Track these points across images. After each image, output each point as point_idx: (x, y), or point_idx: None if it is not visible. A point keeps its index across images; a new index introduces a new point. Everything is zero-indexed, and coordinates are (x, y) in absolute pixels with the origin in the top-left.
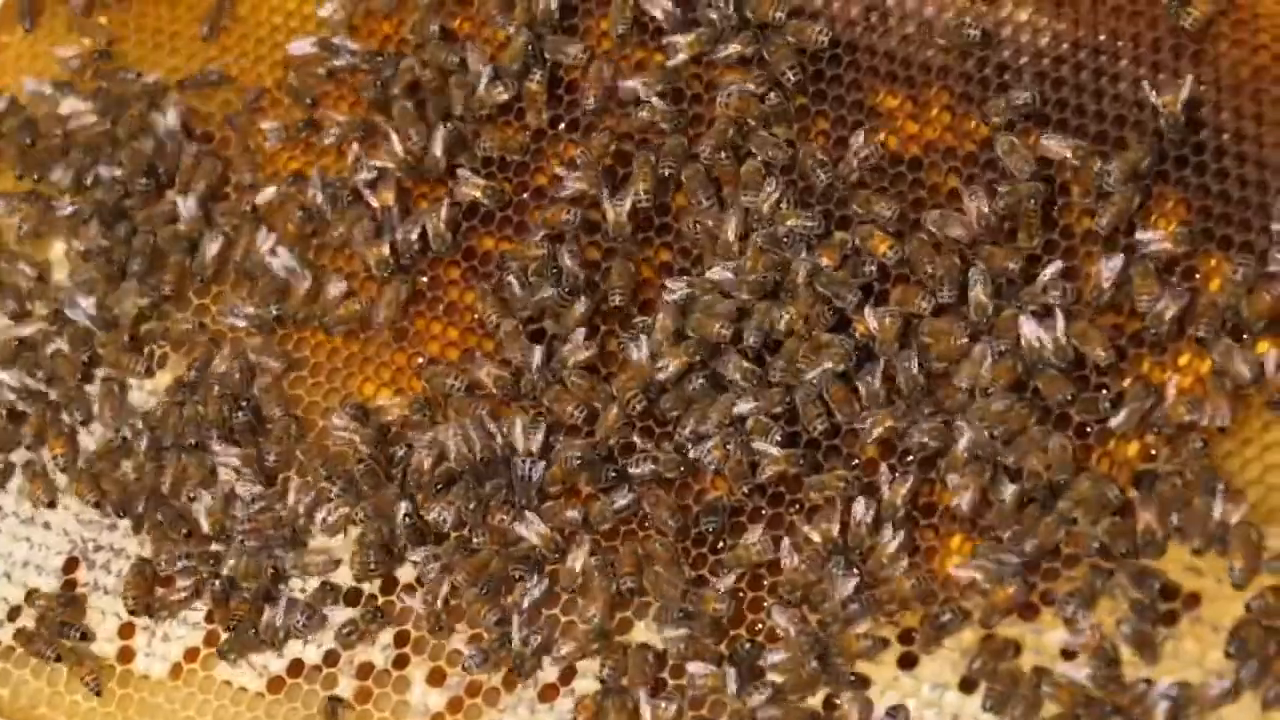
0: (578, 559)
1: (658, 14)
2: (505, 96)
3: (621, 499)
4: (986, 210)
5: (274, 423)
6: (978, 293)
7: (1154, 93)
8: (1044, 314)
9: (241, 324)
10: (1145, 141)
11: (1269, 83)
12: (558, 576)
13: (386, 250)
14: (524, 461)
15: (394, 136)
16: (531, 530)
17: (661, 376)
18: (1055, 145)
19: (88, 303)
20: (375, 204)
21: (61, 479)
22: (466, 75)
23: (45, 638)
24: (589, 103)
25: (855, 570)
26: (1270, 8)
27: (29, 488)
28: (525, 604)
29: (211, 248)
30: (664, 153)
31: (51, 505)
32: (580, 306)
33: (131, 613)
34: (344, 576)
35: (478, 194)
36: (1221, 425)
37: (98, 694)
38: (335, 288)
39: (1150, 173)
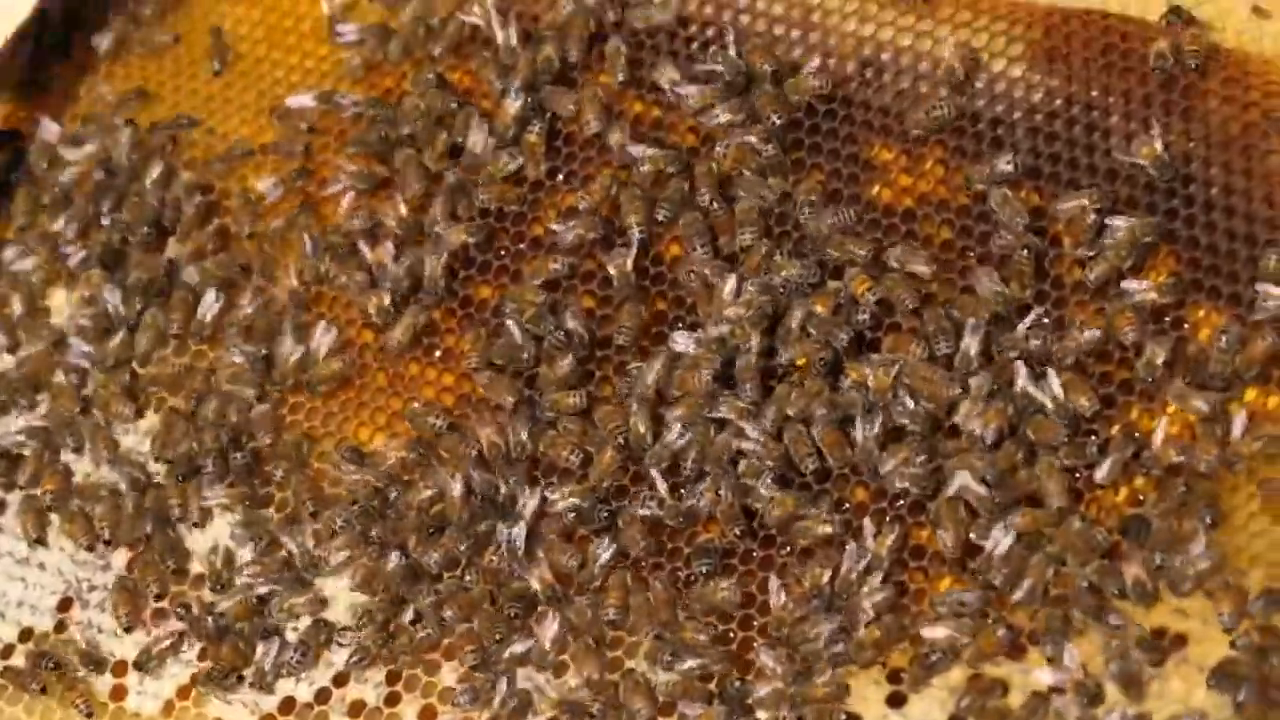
0: (548, 632)
1: (664, 84)
2: (514, 166)
3: (605, 553)
4: (1000, 288)
5: (278, 445)
6: (968, 345)
7: (1129, 155)
8: (1037, 367)
9: (239, 360)
10: (1152, 217)
11: (1258, 138)
12: (537, 643)
13: (387, 300)
14: (507, 529)
15: (397, 196)
16: (534, 575)
17: (670, 416)
18: (1067, 205)
19: (87, 349)
20: (371, 258)
21: (54, 518)
22: (466, 131)
23: (29, 673)
24: (590, 126)
25: (835, 613)
26: (1259, 66)
27: (22, 521)
28: (505, 656)
29: (213, 309)
30: (663, 198)
31: (40, 542)
32: (566, 364)
33: (127, 629)
34: (336, 614)
35: (463, 237)
36: (1207, 470)
37: (89, 716)
38: (323, 339)
39: (1152, 243)
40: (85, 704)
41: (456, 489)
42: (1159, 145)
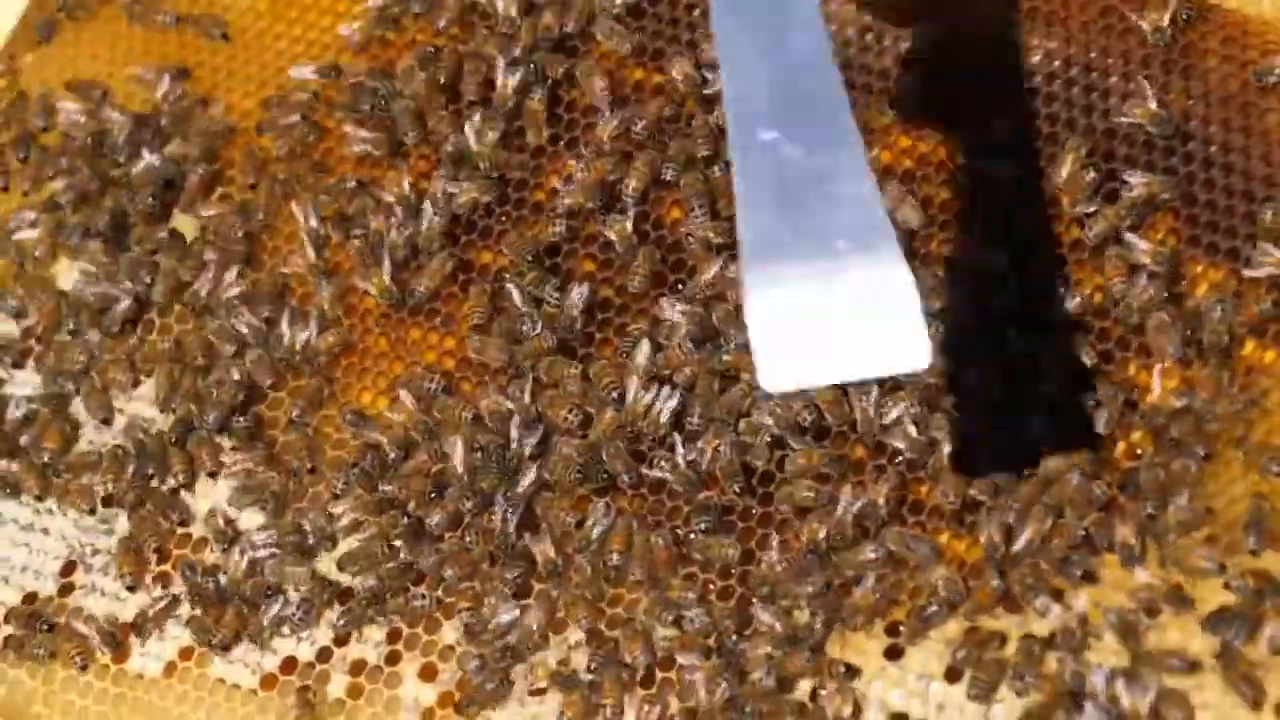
0: (533, 618)
1: (678, 77)
2: (495, 134)
3: (600, 525)
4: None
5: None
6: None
7: (1124, 115)
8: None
9: (244, 330)
10: (1168, 177)
11: (1255, 96)
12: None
13: (387, 278)
14: (503, 507)
15: (402, 167)
16: (538, 547)
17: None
18: (1065, 170)
19: (93, 335)
20: (372, 226)
21: (56, 481)
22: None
23: (35, 640)
24: (600, 95)
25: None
26: (1258, 26)
27: (25, 481)
28: (494, 621)
29: (208, 283)
30: (668, 155)
31: (40, 499)
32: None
33: (130, 589)
34: (337, 573)
35: (473, 195)
36: (1208, 410)
37: (84, 669)
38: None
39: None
40: (81, 657)
41: (458, 452)
42: (1154, 104)
